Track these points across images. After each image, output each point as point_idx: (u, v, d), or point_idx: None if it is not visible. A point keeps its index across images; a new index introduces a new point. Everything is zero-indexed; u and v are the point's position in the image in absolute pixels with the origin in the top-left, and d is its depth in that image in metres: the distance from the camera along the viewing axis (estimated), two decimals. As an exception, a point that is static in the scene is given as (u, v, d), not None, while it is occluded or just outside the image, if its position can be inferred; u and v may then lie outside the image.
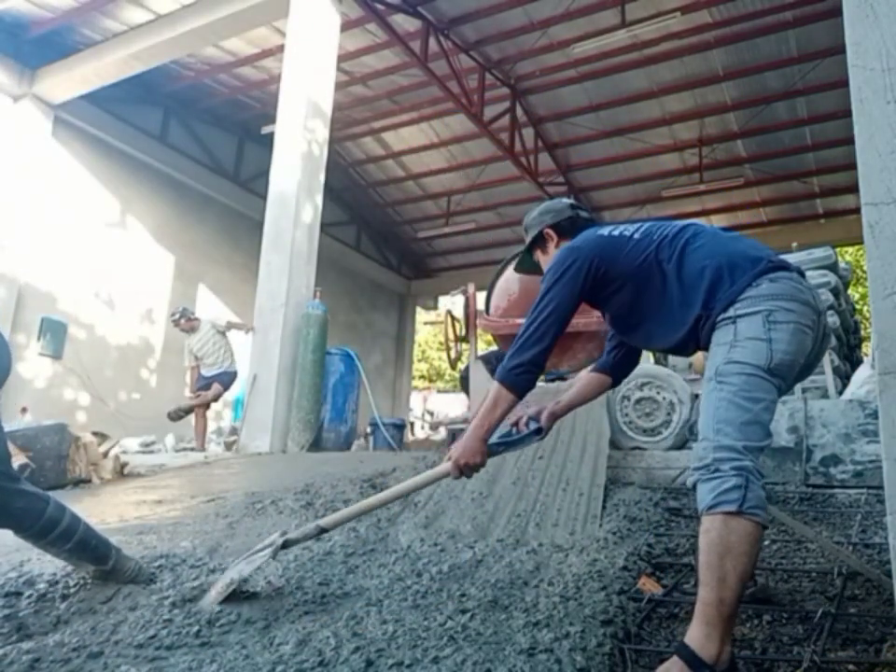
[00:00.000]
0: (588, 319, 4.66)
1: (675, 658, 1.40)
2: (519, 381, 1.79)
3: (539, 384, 5.04)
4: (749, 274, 1.62)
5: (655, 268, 1.75)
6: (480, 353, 5.55)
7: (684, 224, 1.82)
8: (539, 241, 2.13)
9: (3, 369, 1.94)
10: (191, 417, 7.24)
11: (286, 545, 2.01)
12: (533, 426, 2.00)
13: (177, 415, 7.11)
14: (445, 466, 1.90)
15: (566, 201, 2.19)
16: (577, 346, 4.85)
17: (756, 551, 1.44)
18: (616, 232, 1.88)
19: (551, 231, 2.09)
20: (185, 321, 7.21)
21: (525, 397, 1.86)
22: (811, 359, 1.67)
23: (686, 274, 1.71)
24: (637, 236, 1.83)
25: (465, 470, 1.87)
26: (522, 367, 1.78)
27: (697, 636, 1.38)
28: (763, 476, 1.49)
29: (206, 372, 7.20)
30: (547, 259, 2.07)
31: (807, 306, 1.60)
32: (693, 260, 1.71)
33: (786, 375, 1.58)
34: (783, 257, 1.74)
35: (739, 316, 1.58)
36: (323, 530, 2.03)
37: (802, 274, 1.69)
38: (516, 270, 2.36)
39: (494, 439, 1.92)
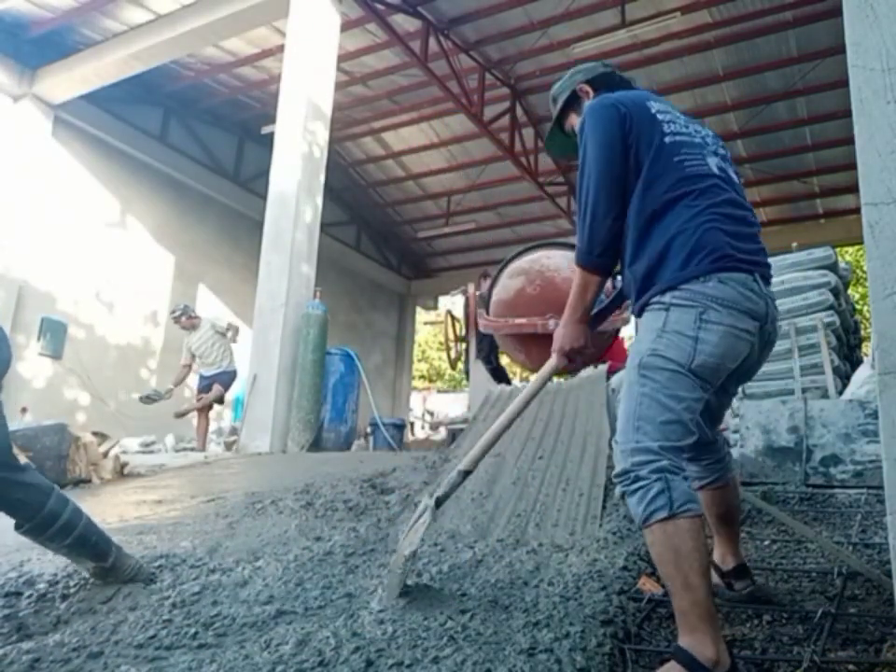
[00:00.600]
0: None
1: (672, 662, 1.39)
2: (602, 263, 1.67)
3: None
4: (703, 266, 1.52)
5: (655, 188, 1.61)
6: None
7: (710, 173, 1.65)
8: (574, 102, 1.93)
9: (3, 361, 1.94)
10: (192, 418, 7.25)
11: (438, 504, 1.97)
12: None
13: (149, 400, 7.04)
14: (552, 360, 1.82)
15: (596, 62, 1.99)
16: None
17: (703, 540, 1.43)
18: (660, 116, 1.70)
19: (585, 86, 1.90)
20: (185, 319, 7.22)
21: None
22: (750, 364, 1.64)
23: (662, 222, 1.59)
24: (667, 140, 1.65)
25: (571, 355, 1.79)
26: (600, 247, 1.64)
27: (689, 643, 1.37)
28: (684, 469, 1.48)
29: (205, 372, 7.20)
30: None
31: (748, 314, 1.54)
32: (675, 215, 1.58)
33: (709, 378, 1.53)
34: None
35: (674, 305, 1.53)
36: (467, 472, 1.98)
37: (765, 279, 1.63)
38: (546, 148, 2.13)
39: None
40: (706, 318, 1.50)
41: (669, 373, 1.49)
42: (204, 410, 7.14)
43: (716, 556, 1.85)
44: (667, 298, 1.54)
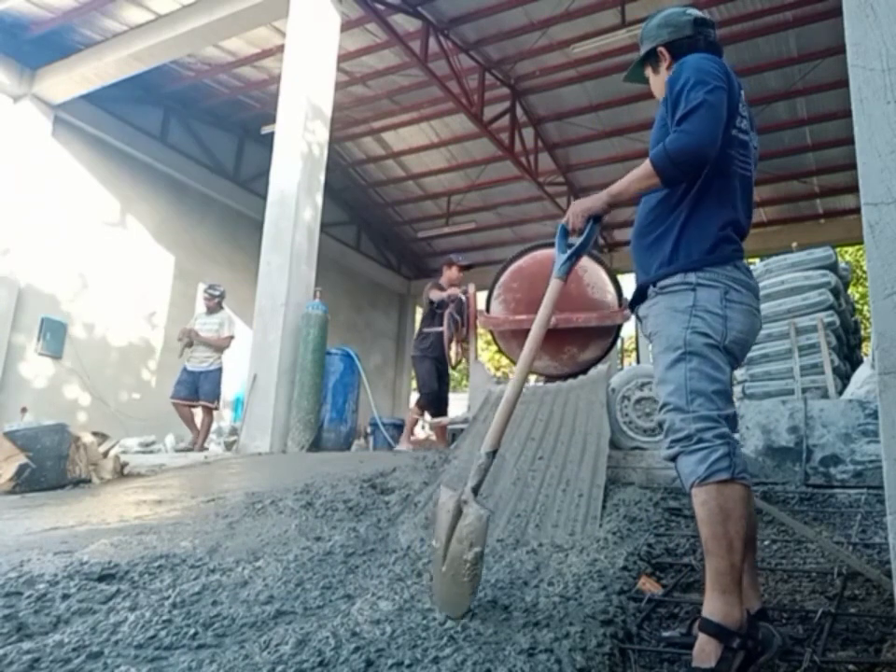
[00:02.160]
0: (588, 315, 4.67)
1: (703, 636, 1.44)
2: (677, 178, 1.66)
3: (539, 383, 5.04)
4: (726, 253, 1.67)
5: (714, 169, 1.68)
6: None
7: (749, 176, 1.78)
8: (652, 57, 1.92)
9: None
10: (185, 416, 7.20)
11: (476, 491, 1.78)
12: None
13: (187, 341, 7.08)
14: (564, 218, 1.86)
15: (692, 12, 1.90)
16: (576, 344, 4.85)
17: (750, 512, 1.51)
18: (741, 109, 1.76)
19: (664, 51, 1.88)
20: (217, 302, 7.28)
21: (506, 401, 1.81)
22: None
23: (705, 202, 1.69)
24: (732, 132, 1.72)
25: (573, 220, 1.81)
26: (689, 164, 1.62)
27: (720, 607, 1.43)
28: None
29: (192, 367, 7.12)
30: (656, 80, 1.91)
31: (754, 294, 1.71)
32: (719, 202, 1.69)
33: (737, 354, 1.67)
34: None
35: (700, 285, 1.64)
36: (493, 453, 1.82)
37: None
38: (626, 79, 2.10)
39: (565, 256, 1.87)
40: (729, 298, 1.63)
41: (711, 348, 1.60)
42: (209, 411, 7.13)
43: None
44: (692, 278, 1.65)
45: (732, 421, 1.65)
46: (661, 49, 1.88)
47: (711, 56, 1.75)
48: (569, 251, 1.88)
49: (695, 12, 1.91)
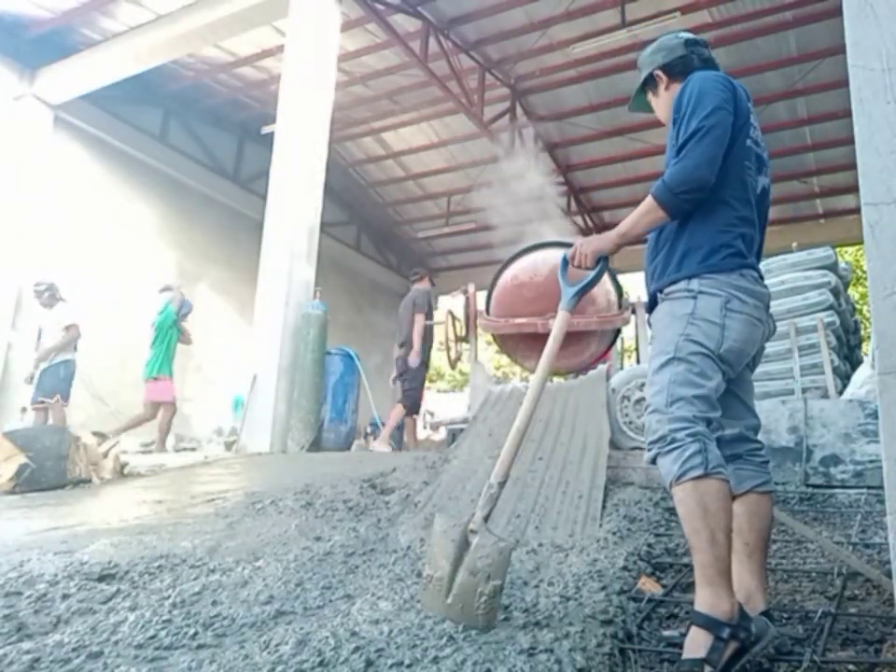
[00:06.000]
0: (588, 319, 4.67)
1: (694, 628, 1.45)
2: (682, 208, 1.68)
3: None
4: (728, 262, 1.68)
5: (726, 180, 1.70)
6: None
7: (755, 189, 1.78)
8: (650, 83, 1.97)
9: None
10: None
11: (486, 521, 1.71)
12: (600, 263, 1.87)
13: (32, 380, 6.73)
14: (569, 250, 1.87)
15: (683, 35, 1.97)
16: (578, 347, 4.85)
17: (729, 505, 1.52)
18: (752, 119, 1.81)
19: (661, 73, 1.94)
20: (48, 296, 6.92)
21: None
22: (758, 350, 1.78)
23: (716, 213, 1.71)
24: (748, 142, 1.76)
25: (581, 258, 1.83)
26: (690, 192, 1.65)
27: (707, 599, 1.45)
28: (713, 440, 1.58)
29: (41, 367, 6.92)
30: (659, 103, 1.96)
31: (761, 301, 1.71)
32: (726, 212, 1.71)
33: (733, 363, 1.67)
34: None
35: (702, 293, 1.66)
36: (502, 483, 1.77)
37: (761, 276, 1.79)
38: (630, 109, 2.11)
39: (574, 290, 1.89)
40: (730, 307, 1.64)
41: (701, 356, 1.61)
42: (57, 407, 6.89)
43: (740, 596, 1.56)
44: (694, 285, 1.67)
45: (747, 441, 1.72)
46: (657, 72, 1.94)
47: (715, 73, 1.78)
48: (577, 286, 1.90)
49: (686, 34, 1.97)
